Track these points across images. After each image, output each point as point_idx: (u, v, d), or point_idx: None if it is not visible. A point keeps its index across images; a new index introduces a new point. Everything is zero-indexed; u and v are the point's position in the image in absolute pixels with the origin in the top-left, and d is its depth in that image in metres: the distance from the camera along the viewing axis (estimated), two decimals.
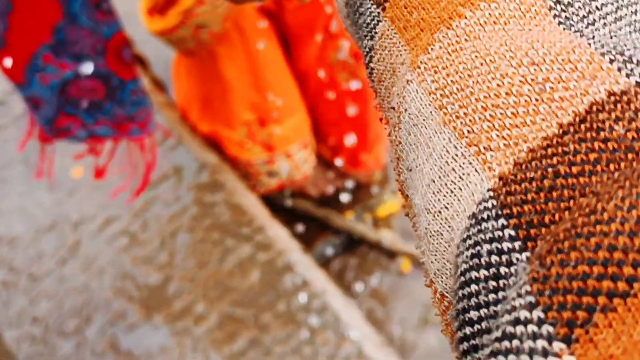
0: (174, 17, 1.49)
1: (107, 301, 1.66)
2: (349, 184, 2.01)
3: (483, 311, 0.29)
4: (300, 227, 1.95)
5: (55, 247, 1.73)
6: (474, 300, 0.29)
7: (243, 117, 1.70)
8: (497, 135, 0.30)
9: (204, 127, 1.83)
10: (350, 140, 1.87)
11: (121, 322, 1.65)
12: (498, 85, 0.31)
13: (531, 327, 0.25)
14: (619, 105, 0.29)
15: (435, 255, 0.33)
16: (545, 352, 0.25)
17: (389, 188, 2.07)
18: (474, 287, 0.29)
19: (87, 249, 1.72)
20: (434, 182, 0.33)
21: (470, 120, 0.32)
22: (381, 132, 1.91)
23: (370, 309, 1.89)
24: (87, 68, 1.23)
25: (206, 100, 1.76)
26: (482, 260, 0.29)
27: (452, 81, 0.33)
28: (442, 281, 0.34)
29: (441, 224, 0.33)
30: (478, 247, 0.29)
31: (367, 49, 0.40)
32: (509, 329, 0.26)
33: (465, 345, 0.30)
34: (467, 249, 0.30)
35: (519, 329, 0.26)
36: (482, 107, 0.31)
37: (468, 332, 0.30)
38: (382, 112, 0.41)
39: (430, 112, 0.34)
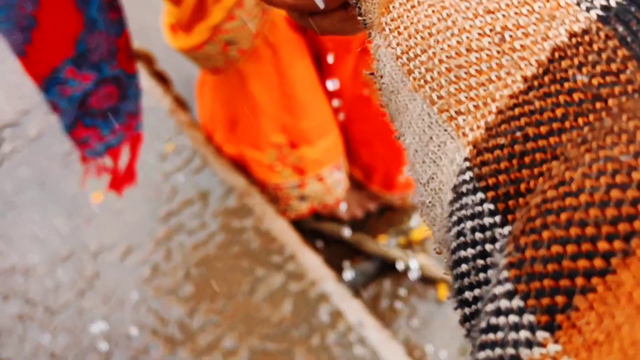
0: (202, 33, 1.41)
1: (128, 336, 1.57)
2: (382, 207, 1.93)
3: (476, 291, 0.28)
4: (329, 254, 1.86)
5: (73, 277, 1.67)
6: (466, 280, 0.28)
7: (273, 139, 1.62)
8: (466, 97, 0.29)
9: (230, 149, 1.75)
10: (383, 160, 1.78)
11: (144, 357, 1.58)
12: (458, 42, 0.30)
13: (512, 317, 0.24)
14: (581, 48, 0.28)
15: (435, 225, 0.33)
16: (529, 343, 0.24)
17: None
18: (464, 266, 0.28)
19: (107, 280, 1.66)
20: (417, 152, 0.32)
21: (437, 85, 0.31)
22: None
23: (407, 339, 1.80)
24: (105, 73, 1.26)
25: (233, 120, 1.68)
26: (467, 238, 0.28)
27: (414, 43, 0.32)
28: (444, 253, 0.33)
29: (432, 195, 0.32)
30: (462, 224, 0.29)
31: (355, 0, 0.39)
32: (492, 319, 0.25)
33: (467, 325, 0.29)
34: (453, 226, 0.29)
35: (501, 319, 0.25)
36: (446, 68, 0.30)
37: (467, 313, 0.29)
38: None
39: (402, 78, 0.33)
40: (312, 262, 1.67)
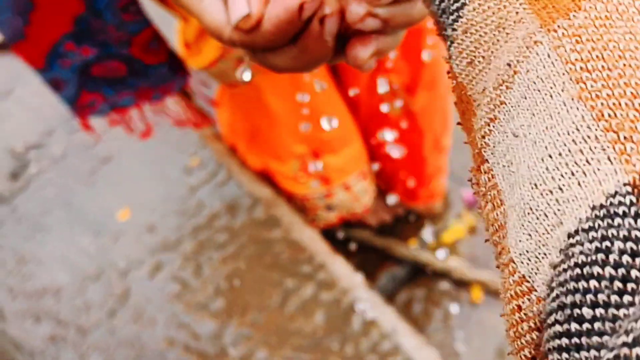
0: (213, 51, 1.40)
1: (161, 353, 1.59)
2: (409, 211, 1.92)
3: (600, 311, 0.27)
4: (359, 261, 1.84)
5: (103, 296, 1.67)
6: (590, 297, 0.28)
7: (294, 150, 1.60)
8: None
9: (255, 162, 1.75)
10: (404, 174, 1.76)
11: None
12: None
13: None
14: None
15: (530, 234, 0.32)
16: None
17: (452, 212, 1.96)
18: (593, 283, 0.28)
19: (137, 298, 1.66)
20: (551, 157, 0.31)
21: (613, 104, 0.30)
22: (440, 164, 1.81)
23: (441, 344, 1.78)
24: (110, 50, 1.26)
25: (253, 133, 1.68)
26: (611, 258, 0.28)
27: (597, 56, 0.31)
28: (530, 263, 0.32)
29: (549, 203, 0.31)
30: (607, 243, 0.28)
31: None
32: None
33: (564, 341, 0.29)
34: (591, 242, 0.29)
35: None
36: (631, 93, 0.30)
37: (574, 329, 0.28)
38: (453, 65, 0.39)
39: (564, 83, 0.32)
40: (342, 270, 1.66)
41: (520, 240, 0.32)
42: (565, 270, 0.29)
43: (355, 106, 1.65)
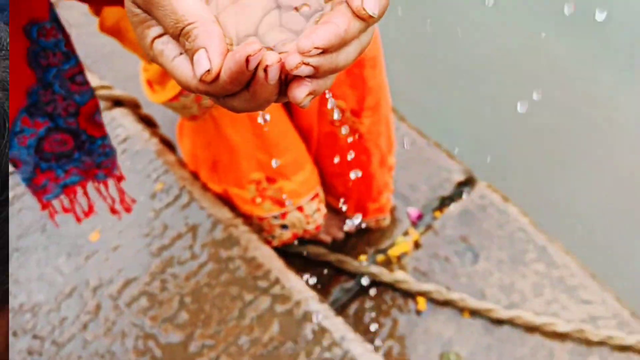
0: (175, 87, 1.51)
1: None
2: (360, 228, 2.05)
3: None
4: (314, 275, 1.97)
5: (76, 312, 1.76)
6: None
7: (252, 177, 1.73)
8: None
9: (215, 187, 1.86)
10: (354, 191, 1.90)
11: None
12: None
13: None
14: None
15: None
16: None
17: (399, 229, 2.10)
18: None
19: (108, 313, 1.75)
20: None
21: None
22: (387, 179, 1.95)
23: (389, 350, 1.91)
24: (59, 123, 1.30)
25: (213, 162, 1.79)
26: None
27: None
28: None
29: None
30: None
31: None
32: None
33: None
34: None
35: None
36: None
37: None
38: None
39: None
40: (296, 284, 1.77)
41: None
42: None
43: (307, 133, 1.79)
